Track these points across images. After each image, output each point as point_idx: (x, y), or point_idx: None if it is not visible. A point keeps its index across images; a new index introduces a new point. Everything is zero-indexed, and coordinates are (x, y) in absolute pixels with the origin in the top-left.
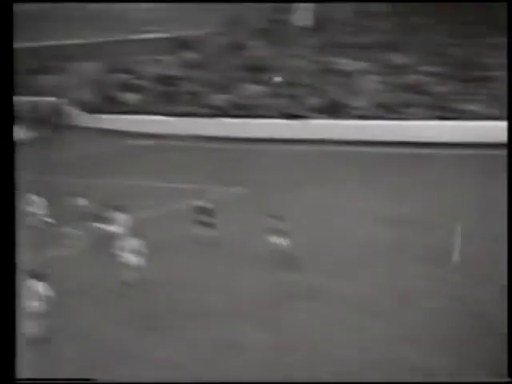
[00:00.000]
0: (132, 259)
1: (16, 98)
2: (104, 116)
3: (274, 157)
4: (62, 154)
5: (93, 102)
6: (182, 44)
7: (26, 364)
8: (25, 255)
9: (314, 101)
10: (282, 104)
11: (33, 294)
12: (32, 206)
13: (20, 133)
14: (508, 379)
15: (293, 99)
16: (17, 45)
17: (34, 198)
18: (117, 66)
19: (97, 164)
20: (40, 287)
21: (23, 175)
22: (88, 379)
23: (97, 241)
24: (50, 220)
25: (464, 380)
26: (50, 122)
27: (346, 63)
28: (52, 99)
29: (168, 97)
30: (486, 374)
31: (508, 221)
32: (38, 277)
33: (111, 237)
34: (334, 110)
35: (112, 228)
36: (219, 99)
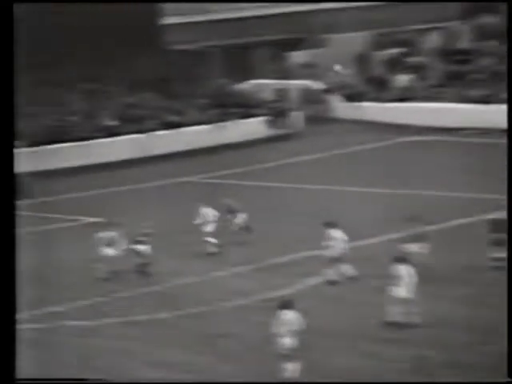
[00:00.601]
0: (400, 291)
1: (255, 82)
2: (367, 104)
3: None
4: (303, 157)
5: (353, 86)
6: (479, 8)
7: None
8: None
9: None
10: None
11: (284, 327)
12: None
13: (258, 128)
14: (508, 379)
15: None
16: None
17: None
18: (386, 38)
19: (348, 166)
20: (292, 319)
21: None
22: (88, 379)
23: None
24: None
25: (464, 380)
26: (302, 113)
27: None
28: (305, 83)
29: (456, 78)
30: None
31: (508, 221)
32: (288, 307)
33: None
34: None
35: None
36: None
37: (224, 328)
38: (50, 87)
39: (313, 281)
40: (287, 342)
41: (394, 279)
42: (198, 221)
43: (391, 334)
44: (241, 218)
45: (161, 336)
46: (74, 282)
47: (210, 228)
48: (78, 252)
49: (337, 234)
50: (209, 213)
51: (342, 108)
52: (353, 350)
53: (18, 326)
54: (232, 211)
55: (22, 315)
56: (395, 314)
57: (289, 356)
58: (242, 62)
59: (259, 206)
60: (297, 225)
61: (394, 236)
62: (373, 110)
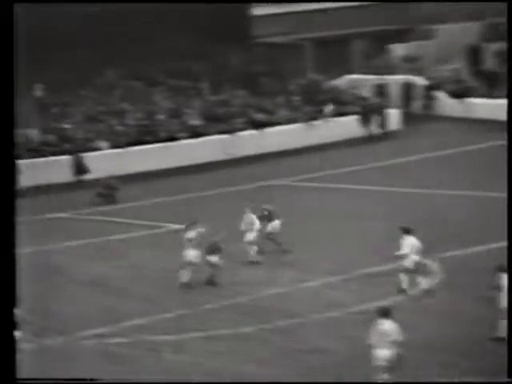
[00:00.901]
0: (504, 301)
1: (352, 78)
2: (476, 100)
3: None
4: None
5: (461, 81)
6: None
7: None
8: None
9: None
10: None
11: (382, 337)
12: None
13: (353, 127)
14: (508, 379)
15: None
16: None
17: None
18: (500, 29)
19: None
20: (390, 329)
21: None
22: (88, 379)
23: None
24: None
25: (464, 380)
26: (400, 111)
27: None
28: (407, 78)
29: None
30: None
31: (508, 220)
32: (386, 315)
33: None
34: None
35: None
36: None
37: (314, 342)
38: (138, 83)
39: (410, 292)
40: (384, 353)
41: (498, 289)
42: (242, 227)
43: (495, 349)
44: (274, 227)
45: (246, 351)
46: (155, 293)
47: (250, 236)
48: (160, 261)
49: (409, 241)
50: (254, 219)
51: (447, 105)
52: (456, 365)
53: (98, 341)
54: (269, 218)
55: (103, 329)
56: (500, 326)
57: (385, 368)
58: (337, 56)
59: (348, 211)
60: (390, 232)
61: (500, 244)
62: (482, 107)
